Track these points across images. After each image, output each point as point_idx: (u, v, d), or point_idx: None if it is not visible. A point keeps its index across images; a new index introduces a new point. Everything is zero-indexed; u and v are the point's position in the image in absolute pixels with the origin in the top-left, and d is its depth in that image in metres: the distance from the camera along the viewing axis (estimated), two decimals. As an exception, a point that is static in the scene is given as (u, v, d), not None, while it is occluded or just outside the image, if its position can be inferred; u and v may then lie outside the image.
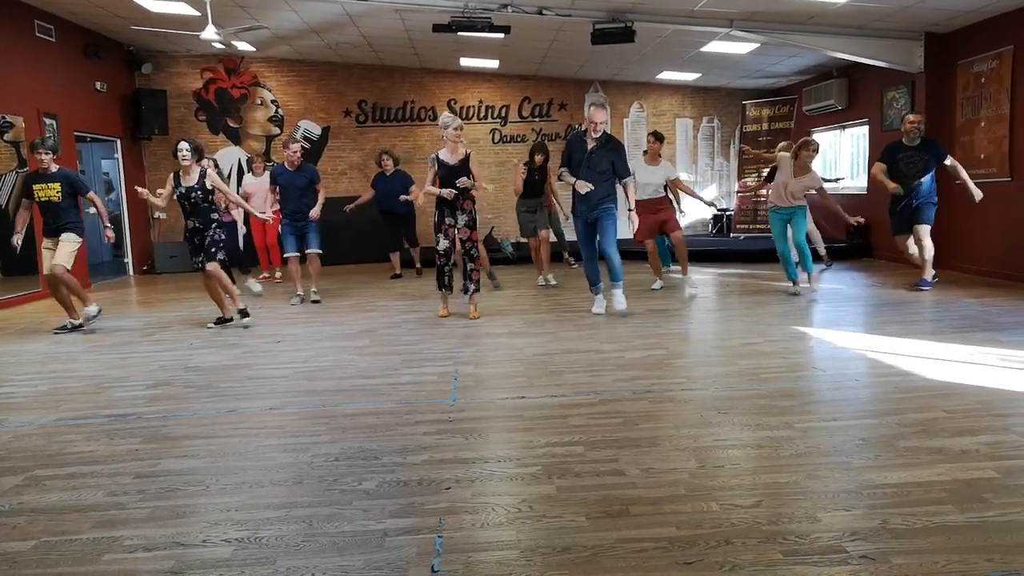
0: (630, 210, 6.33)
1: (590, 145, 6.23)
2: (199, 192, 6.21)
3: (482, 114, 12.67)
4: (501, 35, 8.43)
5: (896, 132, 7.84)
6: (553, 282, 8.41)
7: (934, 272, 7.39)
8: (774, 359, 4.75)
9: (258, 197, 9.10)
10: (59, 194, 6.37)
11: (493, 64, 11.78)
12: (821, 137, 12.09)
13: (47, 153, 6.32)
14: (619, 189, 6.39)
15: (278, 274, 9.95)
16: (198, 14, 8.50)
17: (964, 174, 7.09)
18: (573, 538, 2.41)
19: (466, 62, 11.67)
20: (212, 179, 6.28)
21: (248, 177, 10.21)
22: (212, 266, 6.21)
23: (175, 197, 6.31)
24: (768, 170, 7.55)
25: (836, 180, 11.12)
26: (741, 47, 9.55)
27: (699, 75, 11.96)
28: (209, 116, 12.16)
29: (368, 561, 2.31)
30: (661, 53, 10.32)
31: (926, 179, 7.19)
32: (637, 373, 4.50)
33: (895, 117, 9.26)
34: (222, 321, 6.49)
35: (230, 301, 6.45)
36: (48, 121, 9.10)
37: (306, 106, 12.33)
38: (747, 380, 4.28)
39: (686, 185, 8.41)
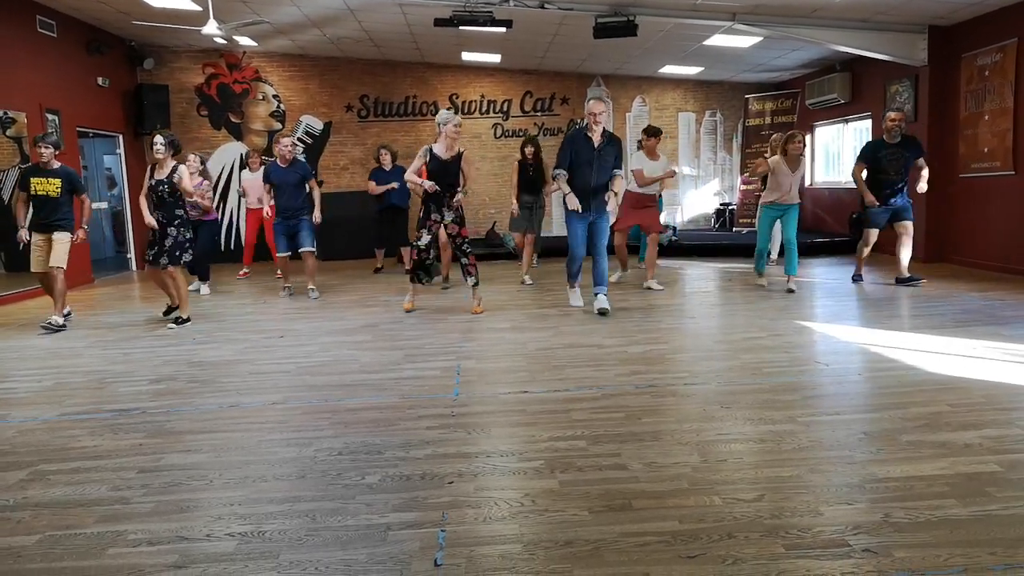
0: (615, 193, 6.25)
1: (597, 142, 6.17)
2: (166, 187, 6.22)
3: (484, 109, 12.65)
4: (503, 29, 8.41)
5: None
6: (529, 282, 8.31)
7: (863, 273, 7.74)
8: (777, 353, 4.75)
9: (255, 192, 9.10)
10: (58, 190, 6.43)
11: (495, 58, 11.75)
12: (824, 131, 12.09)
13: (48, 148, 6.38)
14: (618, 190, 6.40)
15: (278, 273, 9.95)
16: (200, 9, 8.49)
17: (926, 172, 7.26)
18: (576, 532, 2.42)
19: (468, 56, 11.65)
20: (180, 176, 6.25)
21: (245, 172, 10.17)
22: (175, 270, 6.25)
23: (148, 187, 6.32)
24: (758, 177, 7.89)
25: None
26: (744, 41, 9.51)
27: (702, 69, 11.93)
28: (211, 111, 12.15)
29: (371, 555, 2.31)
30: (663, 47, 10.29)
31: (907, 178, 7.32)
32: (639, 367, 4.50)
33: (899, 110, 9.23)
34: (181, 320, 6.39)
35: (179, 303, 6.47)
36: (50, 117, 9.10)
37: (308, 101, 12.32)
38: (749, 374, 4.28)
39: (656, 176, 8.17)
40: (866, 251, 7.52)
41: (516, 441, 3.32)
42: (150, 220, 6.28)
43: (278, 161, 7.76)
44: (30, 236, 6.52)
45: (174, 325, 6.28)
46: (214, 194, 9.37)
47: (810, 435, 3.25)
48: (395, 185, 9.20)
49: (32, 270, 6.62)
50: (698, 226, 13.19)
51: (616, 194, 6.24)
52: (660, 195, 8.17)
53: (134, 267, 11.28)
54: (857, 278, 7.68)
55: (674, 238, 10.87)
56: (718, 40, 9.48)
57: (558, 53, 11.08)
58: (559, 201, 6.60)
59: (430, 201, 6.37)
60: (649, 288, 7.59)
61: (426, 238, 6.42)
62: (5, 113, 8.35)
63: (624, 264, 8.25)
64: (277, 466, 3.09)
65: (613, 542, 2.34)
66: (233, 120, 12.22)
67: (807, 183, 11.80)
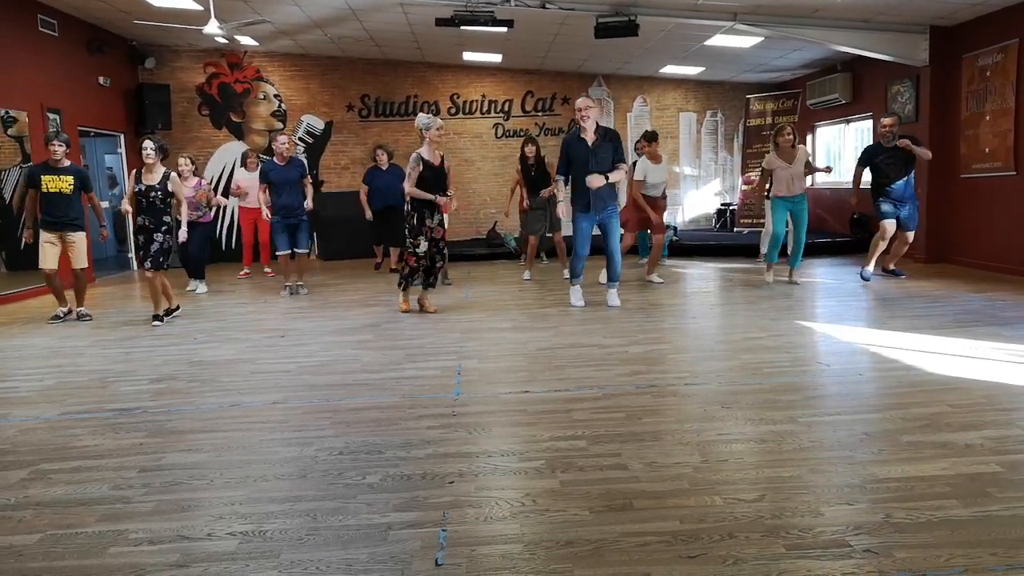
0: (610, 181, 6.29)
1: (591, 140, 6.19)
2: (159, 192, 6.32)
3: (485, 108, 12.66)
4: (504, 29, 8.42)
5: (901, 126, 7.83)
6: (527, 277, 8.52)
7: (873, 269, 7.60)
8: (777, 353, 4.75)
9: (252, 192, 9.09)
10: (71, 187, 6.54)
11: (496, 58, 11.75)
12: (825, 131, 12.09)
13: (62, 146, 6.46)
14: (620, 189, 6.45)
15: (267, 270, 10.00)
16: (201, 8, 8.49)
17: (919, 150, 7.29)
18: (576, 532, 2.42)
19: (469, 56, 11.65)
20: (174, 183, 6.39)
21: (241, 172, 10.11)
22: (153, 274, 6.34)
23: (133, 192, 6.37)
24: (757, 177, 8.00)
25: (827, 169, 11.13)
26: (745, 41, 9.51)
27: (703, 69, 11.93)
28: (212, 111, 12.16)
29: (372, 555, 2.32)
30: (664, 47, 10.29)
31: (911, 179, 7.36)
32: (640, 367, 4.50)
33: (900, 111, 9.23)
34: (159, 316, 6.48)
35: (165, 301, 6.56)
36: (51, 116, 9.10)
37: (309, 100, 12.32)
38: (750, 374, 4.28)
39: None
40: (882, 244, 7.43)
41: (517, 441, 3.32)
42: (126, 208, 6.50)
43: (276, 159, 7.75)
44: (36, 235, 6.55)
45: (158, 323, 6.38)
46: (214, 194, 9.35)
47: (811, 435, 3.24)
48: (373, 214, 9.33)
49: (41, 267, 6.64)
50: (699, 226, 13.19)
51: (607, 178, 6.22)
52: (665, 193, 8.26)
53: (135, 267, 11.28)
54: (866, 276, 7.46)
55: (675, 238, 10.88)
56: (719, 40, 9.48)
57: (559, 53, 11.08)
58: (567, 200, 6.65)
59: (423, 207, 6.30)
60: (650, 281, 7.69)
61: (424, 245, 6.38)
62: (7, 112, 8.36)
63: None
64: (278, 465, 3.09)
65: (614, 542, 2.34)
66: (234, 120, 12.23)
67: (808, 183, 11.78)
